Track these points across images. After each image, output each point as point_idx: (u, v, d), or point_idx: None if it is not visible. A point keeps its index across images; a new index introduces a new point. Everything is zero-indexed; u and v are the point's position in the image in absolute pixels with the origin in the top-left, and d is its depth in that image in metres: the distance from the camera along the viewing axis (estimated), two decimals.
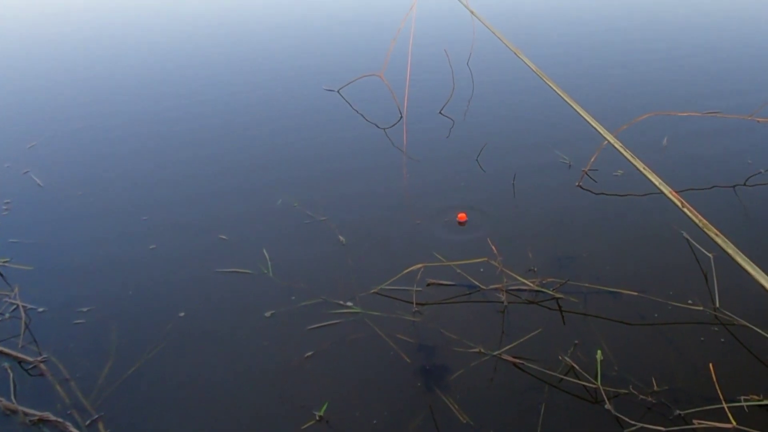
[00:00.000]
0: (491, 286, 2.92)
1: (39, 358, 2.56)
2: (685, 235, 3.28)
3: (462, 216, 3.37)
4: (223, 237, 3.33)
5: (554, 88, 3.64)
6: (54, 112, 4.93)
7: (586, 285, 2.93)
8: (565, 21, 7.73)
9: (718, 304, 2.76)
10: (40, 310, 2.83)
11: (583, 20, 7.75)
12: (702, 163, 4.09)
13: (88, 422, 2.30)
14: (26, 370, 2.53)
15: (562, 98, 3.56)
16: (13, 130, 4.59)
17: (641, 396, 2.32)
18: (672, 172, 3.96)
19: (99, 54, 6.45)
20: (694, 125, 4.46)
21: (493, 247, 3.02)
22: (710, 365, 2.30)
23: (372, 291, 2.93)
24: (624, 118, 4.22)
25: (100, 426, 2.28)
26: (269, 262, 3.11)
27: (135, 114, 4.88)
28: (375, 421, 2.29)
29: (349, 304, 2.86)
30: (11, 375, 2.49)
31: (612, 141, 3.36)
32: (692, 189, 3.77)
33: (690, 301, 2.80)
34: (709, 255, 3.03)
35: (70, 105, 5.08)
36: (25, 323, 2.73)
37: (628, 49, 6.47)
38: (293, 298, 2.89)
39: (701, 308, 2.75)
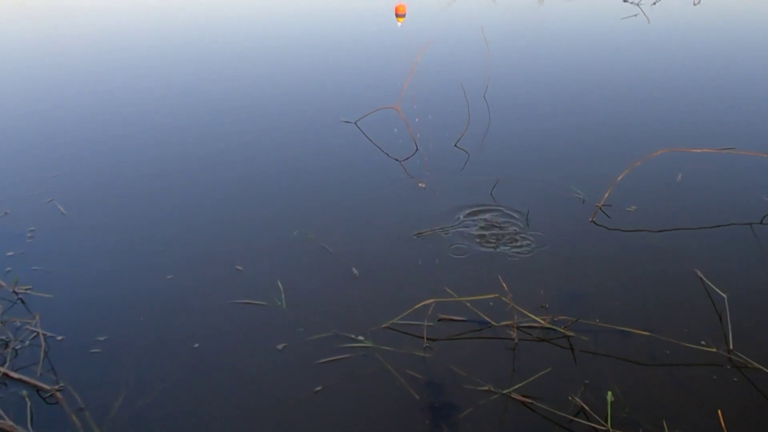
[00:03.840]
0: (502, 323, 2.93)
1: (56, 387, 2.62)
2: (699, 273, 3.26)
3: (400, 8, 3.08)
4: (239, 268, 3.39)
5: None
6: (77, 143, 5.07)
7: (598, 323, 2.92)
8: (578, 56, 7.80)
9: (731, 347, 2.74)
10: (59, 338, 2.90)
11: (598, 55, 7.81)
12: (717, 200, 4.07)
13: None
14: (43, 398, 2.58)
15: None
16: (38, 159, 4.73)
17: None
18: (686, 208, 3.95)
19: (123, 85, 6.64)
20: (709, 162, 4.45)
21: (504, 284, 3.03)
22: (719, 412, 2.27)
23: (383, 325, 2.95)
24: (638, 154, 4.23)
25: None
26: (283, 294, 3.15)
27: (156, 146, 5.00)
28: None
29: (360, 338, 2.88)
30: (29, 403, 2.54)
31: None
32: (707, 227, 3.76)
33: (703, 343, 2.77)
34: (724, 295, 3.00)
35: (93, 136, 5.22)
36: (45, 351, 2.79)
37: (643, 85, 6.50)
38: (301, 330, 2.92)
39: (714, 350, 2.72)
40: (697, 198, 4.10)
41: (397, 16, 2.86)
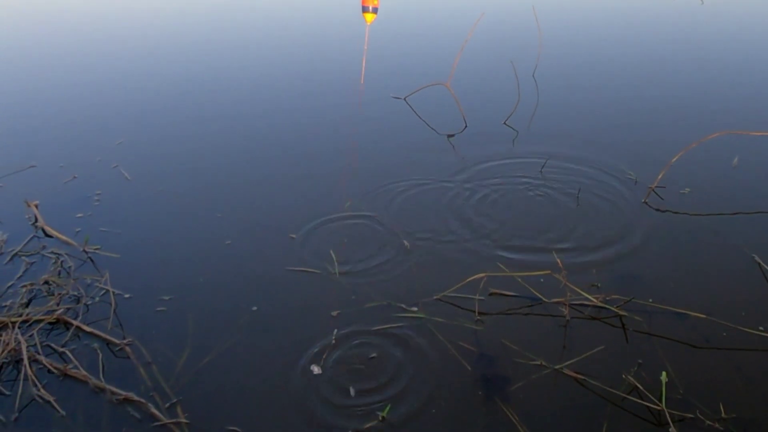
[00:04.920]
0: (554, 300, 2.95)
1: (125, 341, 2.76)
2: (756, 258, 3.21)
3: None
4: (293, 236, 3.47)
5: None
6: (140, 111, 5.23)
7: (651, 304, 2.91)
8: (631, 36, 7.60)
9: None
10: (126, 296, 3.04)
11: (651, 36, 7.60)
12: None
13: (167, 405, 2.46)
14: (113, 352, 2.72)
15: None
16: (103, 127, 4.90)
17: (708, 422, 2.31)
18: (742, 192, 3.87)
19: (187, 55, 6.76)
20: (767, 145, 4.33)
21: (558, 261, 3.04)
22: None
23: (435, 297, 3.00)
24: (693, 136, 4.15)
25: (179, 410, 2.44)
26: (336, 264, 3.22)
27: (216, 117, 5.11)
28: (436, 427, 2.36)
29: (414, 308, 2.94)
30: (100, 355, 2.69)
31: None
32: (764, 212, 3.68)
33: (761, 328, 2.75)
34: None
35: (155, 105, 5.36)
36: (114, 307, 2.94)
37: (698, 67, 6.31)
38: (354, 298, 3.00)
39: None
40: (753, 182, 4.01)
41: (364, 11, 2.16)
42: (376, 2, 2.50)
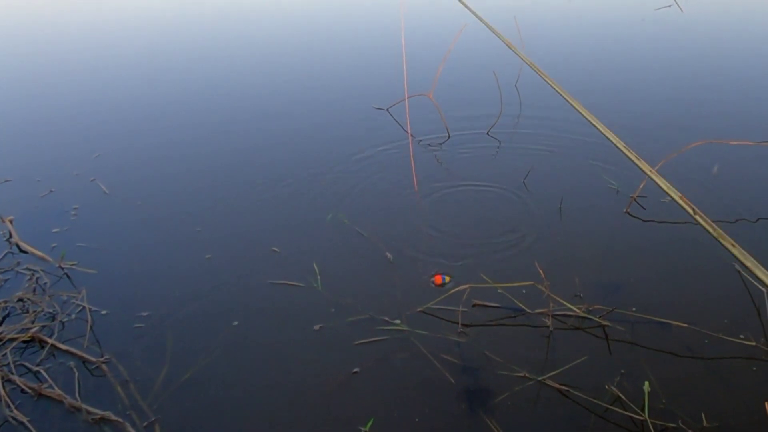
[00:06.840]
0: (537, 311, 2.94)
1: (101, 359, 2.70)
2: (737, 267, 3.23)
3: (438, 278, 3.22)
4: (275, 249, 3.44)
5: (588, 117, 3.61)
6: (118, 124, 5.18)
7: (634, 313, 2.92)
8: (612, 46, 7.69)
9: None
10: (103, 312, 2.98)
11: (632, 45, 7.69)
12: (753, 193, 4.01)
13: (145, 424, 2.41)
14: (89, 370, 2.67)
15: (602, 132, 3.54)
16: (81, 140, 4.84)
17: (690, 431, 2.30)
18: (722, 201, 3.90)
19: (163, 68, 6.73)
20: (746, 154, 4.38)
21: (541, 271, 3.03)
22: (766, 405, 2.27)
23: (418, 309, 2.98)
24: (674, 146, 4.18)
25: (157, 429, 2.39)
26: (318, 276, 3.20)
27: (195, 128, 5.08)
28: None
29: (396, 321, 2.91)
30: (76, 374, 2.63)
31: (649, 173, 3.33)
32: (743, 220, 3.71)
33: (742, 336, 2.76)
34: (763, 289, 2.98)
35: (133, 117, 5.32)
36: (90, 325, 2.88)
37: (677, 76, 6.39)
38: (334, 311, 2.97)
39: (754, 344, 2.71)
40: (733, 190, 4.04)
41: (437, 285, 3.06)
42: (439, 281, 3.15)
